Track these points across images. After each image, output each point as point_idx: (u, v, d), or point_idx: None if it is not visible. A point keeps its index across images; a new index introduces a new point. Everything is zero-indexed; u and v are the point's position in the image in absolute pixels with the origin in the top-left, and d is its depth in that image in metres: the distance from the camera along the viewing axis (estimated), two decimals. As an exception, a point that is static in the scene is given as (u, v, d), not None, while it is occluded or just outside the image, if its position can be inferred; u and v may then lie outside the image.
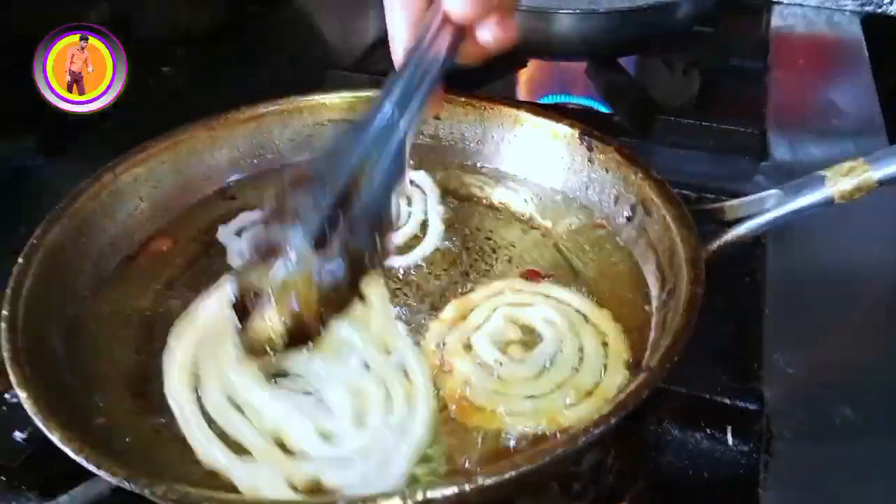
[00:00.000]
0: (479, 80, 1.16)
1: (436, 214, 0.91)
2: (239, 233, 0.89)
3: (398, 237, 0.87)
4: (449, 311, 0.79)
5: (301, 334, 0.66)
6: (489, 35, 0.74)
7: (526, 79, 1.33)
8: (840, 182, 0.76)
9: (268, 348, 0.66)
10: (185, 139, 0.93)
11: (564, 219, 0.91)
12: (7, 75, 1.02)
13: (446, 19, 0.73)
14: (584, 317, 0.78)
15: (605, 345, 0.75)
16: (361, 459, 0.62)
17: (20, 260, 0.74)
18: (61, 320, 0.76)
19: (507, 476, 0.54)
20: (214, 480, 0.64)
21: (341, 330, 0.69)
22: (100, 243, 0.83)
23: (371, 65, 1.28)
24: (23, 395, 0.62)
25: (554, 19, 1.14)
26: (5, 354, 0.66)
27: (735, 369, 0.79)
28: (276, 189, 0.70)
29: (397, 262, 0.86)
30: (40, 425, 0.59)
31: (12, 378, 0.63)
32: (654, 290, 0.78)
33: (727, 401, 0.74)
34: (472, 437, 0.68)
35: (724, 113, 1.18)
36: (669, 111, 1.16)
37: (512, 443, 0.67)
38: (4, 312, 0.69)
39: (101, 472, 0.57)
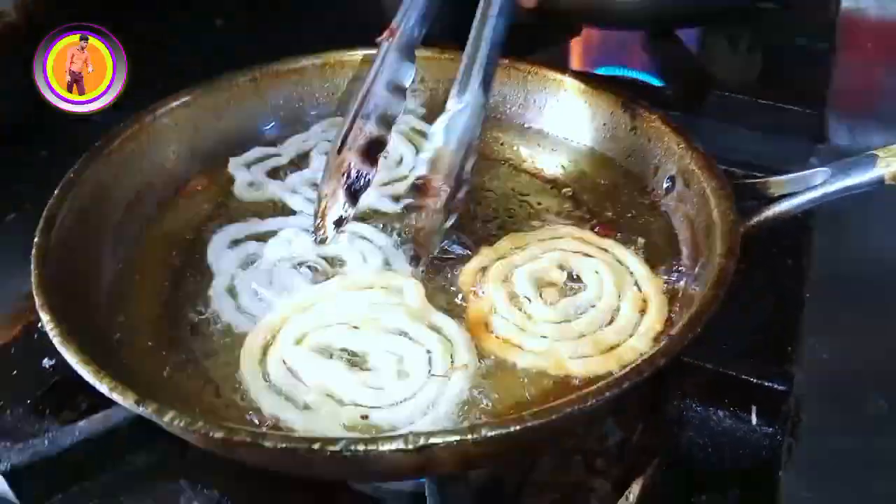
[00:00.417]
0: (532, 46, 1.14)
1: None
2: (248, 166, 0.91)
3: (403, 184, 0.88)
4: (504, 242, 0.81)
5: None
6: None
7: (579, 48, 1.30)
8: (893, 163, 0.72)
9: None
10: (227, 87, 0.94)
11: (600, 185, 0.89)
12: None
13: None
14: (636, 282, 0.76)
15: (642, 312, 0.73)
16: (409, 402, 0.65)
17: (55, 192, 0.76)
18: (94, 253, 0.77)
19: (511, 429, 0.53)
20: (231, 412, 0.65)
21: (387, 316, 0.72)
22: (137, 182, 0.85)
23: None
24: (46, 318, 0.63)
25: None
26: (33, 280, 0.67)
27: (767, 349, 0.76)
28: None
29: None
30: (59, 347, 0.61)
31: (37, 302, 0.64)
32: (687, 261, 0.76)
33: (754, 379, 0.72)
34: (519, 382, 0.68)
35: (783, 93, 1.14)
36: (725, 87, 1.12)
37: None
38: (36, 240, 0.71)
39: (114, 396, 0.58)
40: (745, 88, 1.15)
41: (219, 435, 0.55)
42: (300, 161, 0.93)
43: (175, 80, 0.93)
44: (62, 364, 0.62)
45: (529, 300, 0.74)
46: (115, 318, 0.74)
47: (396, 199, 0.86)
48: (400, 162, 0.93)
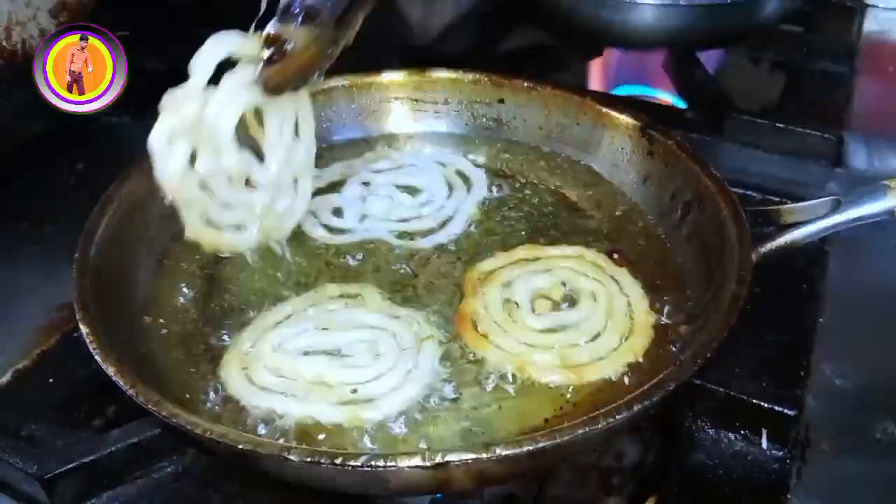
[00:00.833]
0: (553, 66, 1.16)
1: (464, 215, 0.92)
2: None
3: (420, 223, 0.91)
4: (519, 251, 0.85)
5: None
6: None
7: (600, 68, 1.32)
8: (904, 194, 0.74)
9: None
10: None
11: (617, 209, 0.91)
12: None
13: None
14: (631, 313, 0.79)
15: (625, 338, 0.76)
16: (391, 371, 0.73)
17: (95, 209, 0.79)
18: (129, 266, 0.81)
19: (524, 449, 0.56)
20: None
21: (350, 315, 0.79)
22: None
23: (447, 45, 1.29)
24: (85, 331, 0.66)
25: (633, 10, 1.13)
26: (73, 293, 0.70)
27: (779, 374, 0.77)
28: None
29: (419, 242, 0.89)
30: (97, 357, 0.64)
31: (78, 314, 0.67)
32: (691, 300, 0.78)
33: (765, 404, 0.73)
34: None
35: (803, 116, 1.14)
36: (745, 110, 1.13)
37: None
38: (77, 255, 0.74)
39: (148, 406, 0.61)
40: (765, 111, 1.16)
41: (247, 447, 0.58)
42: (336, 186, 0.95)
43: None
44: (96, 373, 0.65)
45: (518, 305, 0.79)
46: (147, 329, 0.77)
47: (400, 235, 0.89)
48: (425, 204, 0.94)
